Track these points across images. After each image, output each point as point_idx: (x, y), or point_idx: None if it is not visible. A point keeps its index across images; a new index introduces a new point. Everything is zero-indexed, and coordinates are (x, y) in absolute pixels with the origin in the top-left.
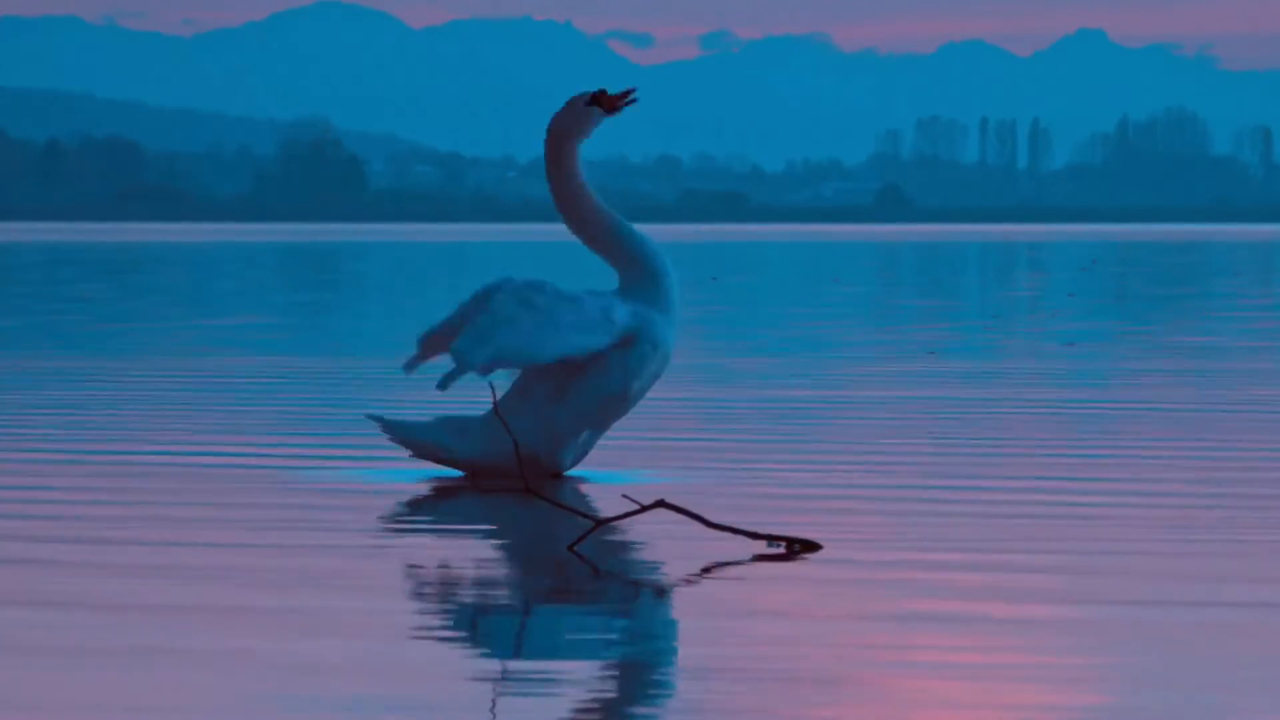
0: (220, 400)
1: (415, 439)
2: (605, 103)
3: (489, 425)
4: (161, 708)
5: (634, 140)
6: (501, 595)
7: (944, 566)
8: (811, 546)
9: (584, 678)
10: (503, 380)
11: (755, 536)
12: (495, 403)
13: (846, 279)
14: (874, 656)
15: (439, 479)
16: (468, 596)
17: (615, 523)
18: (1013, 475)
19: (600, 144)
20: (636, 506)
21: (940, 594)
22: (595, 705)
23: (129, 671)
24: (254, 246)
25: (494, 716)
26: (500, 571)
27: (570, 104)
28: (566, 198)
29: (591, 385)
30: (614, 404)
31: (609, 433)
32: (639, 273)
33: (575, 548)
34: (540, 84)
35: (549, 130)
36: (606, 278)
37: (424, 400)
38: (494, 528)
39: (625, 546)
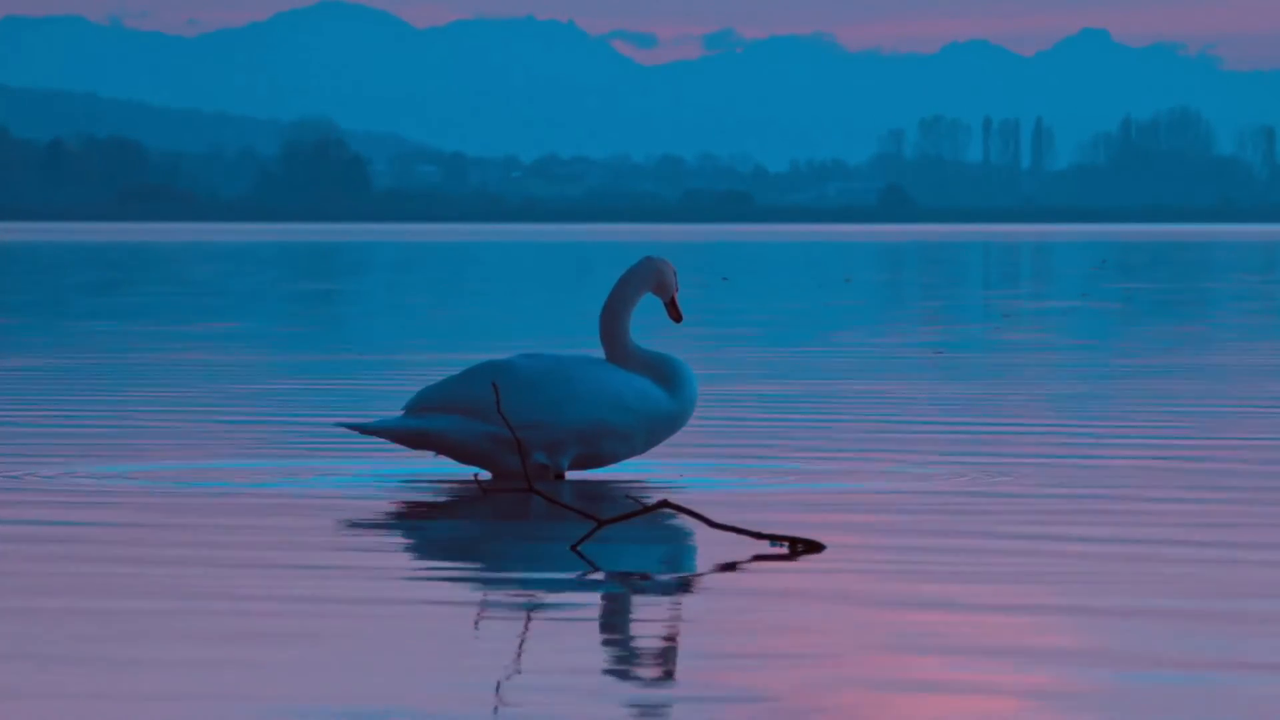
0: (213, 407)
1: (386, 428)
2: (673, 310)
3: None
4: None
5: (637, 140)
6: (504, 595)
7: (946, 567)
8: (814, 547)
9: (586, 678)
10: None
11: (758, 536)
12: (499, 403)
13: (856, 279)
14: (876, 657)
15: (441, 480)
16: (470, 596)
17: (618, 522)
18: (1017, 476)
19: (604, 144)
20: (640, 506)
21: (942, 595)
22: (597, 705)
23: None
24: (257, 246)
25: (496, 717)
26: (503, 572)
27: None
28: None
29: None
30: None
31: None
32: (664, 371)
33: (578, 548)
34: (543, 84)
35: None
36: (605, 285)
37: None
38: (497, 528)
39: (628, 546)
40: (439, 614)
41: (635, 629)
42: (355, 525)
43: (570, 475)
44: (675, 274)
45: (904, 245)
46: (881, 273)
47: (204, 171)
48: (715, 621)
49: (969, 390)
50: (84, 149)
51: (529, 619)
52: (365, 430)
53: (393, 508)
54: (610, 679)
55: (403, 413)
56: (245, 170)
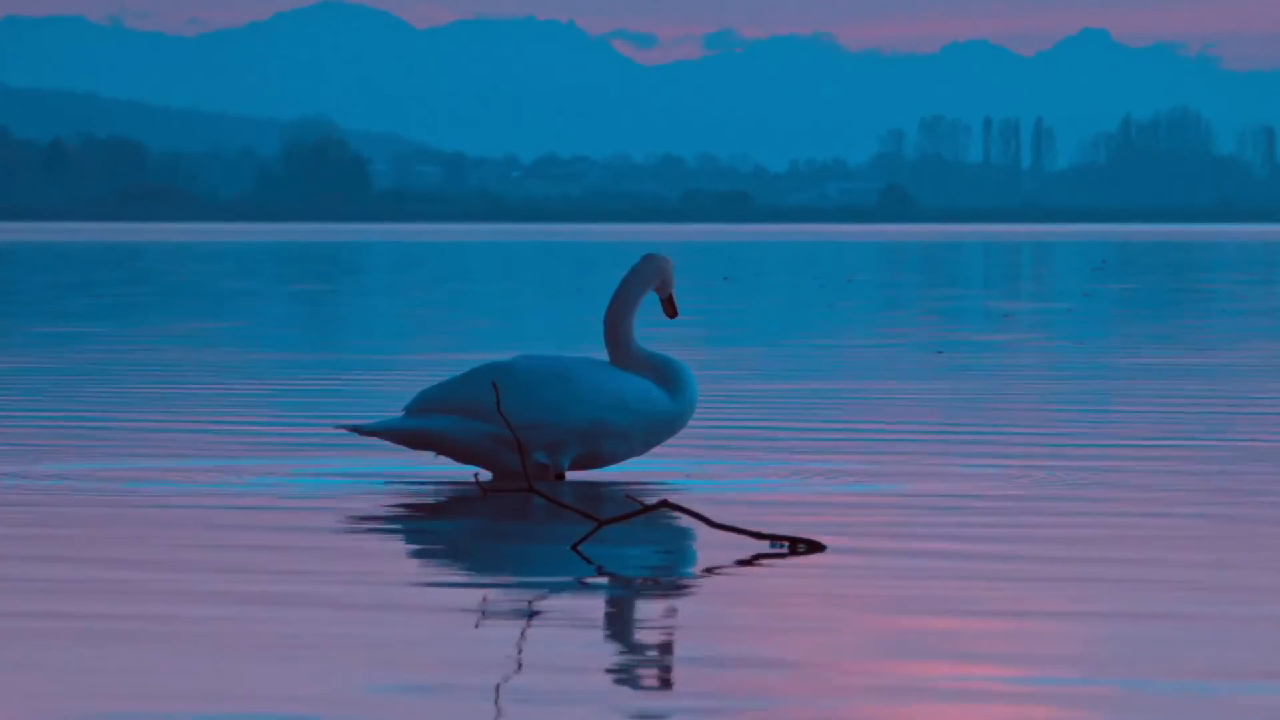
0: (211, 407)
1: (387, 429)
2: (669, 306)
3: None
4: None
5: (637, 140)
6: (504, 595)
7: (947, 567)
8: (815, 547)
9: (586, 678)
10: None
11: (759, 536)
12: (499, 403)
13: (857, 279)
14: (875, 658)
15: (441, 480)
16: (470, 596)
17: (618, 522)
18: (1019, 477)
19: (604, 145)
20: (640, 506)
21: (942, 596)
22: (597, 705)
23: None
24: (257, 246)
25: (496, 717)
26: (503, 572)
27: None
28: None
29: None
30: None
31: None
32: (666, 373)
33: (578, 547)
34: (543, 84)
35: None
36: (605, 284)
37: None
38: (497, 528)
39: (628, 546)
40: (439, 614)
41: (635, 629)
42: (355, 526)
43: (570, 475)
44: (672, 270)
45: (904, 245)
46: (882, 273)
47: (204, 171)
48: (715, 622)
49: (970, 390)
50: (84, 149)
51: (529, 619)
52: (365, 431)
53: (393, 508)
54: (610, 680)
55: (403, 413)
56: (245, 170)
